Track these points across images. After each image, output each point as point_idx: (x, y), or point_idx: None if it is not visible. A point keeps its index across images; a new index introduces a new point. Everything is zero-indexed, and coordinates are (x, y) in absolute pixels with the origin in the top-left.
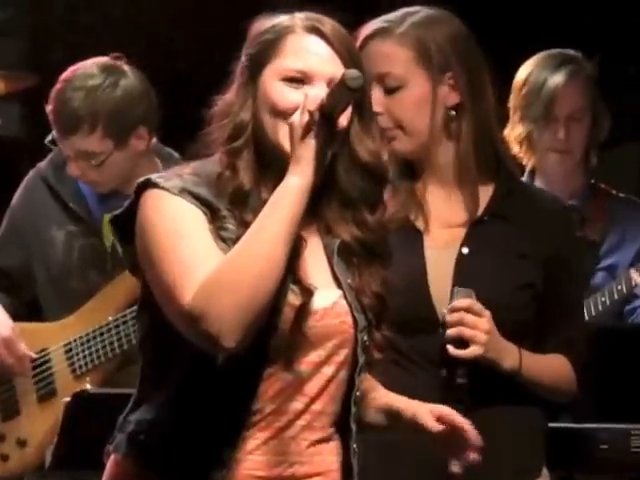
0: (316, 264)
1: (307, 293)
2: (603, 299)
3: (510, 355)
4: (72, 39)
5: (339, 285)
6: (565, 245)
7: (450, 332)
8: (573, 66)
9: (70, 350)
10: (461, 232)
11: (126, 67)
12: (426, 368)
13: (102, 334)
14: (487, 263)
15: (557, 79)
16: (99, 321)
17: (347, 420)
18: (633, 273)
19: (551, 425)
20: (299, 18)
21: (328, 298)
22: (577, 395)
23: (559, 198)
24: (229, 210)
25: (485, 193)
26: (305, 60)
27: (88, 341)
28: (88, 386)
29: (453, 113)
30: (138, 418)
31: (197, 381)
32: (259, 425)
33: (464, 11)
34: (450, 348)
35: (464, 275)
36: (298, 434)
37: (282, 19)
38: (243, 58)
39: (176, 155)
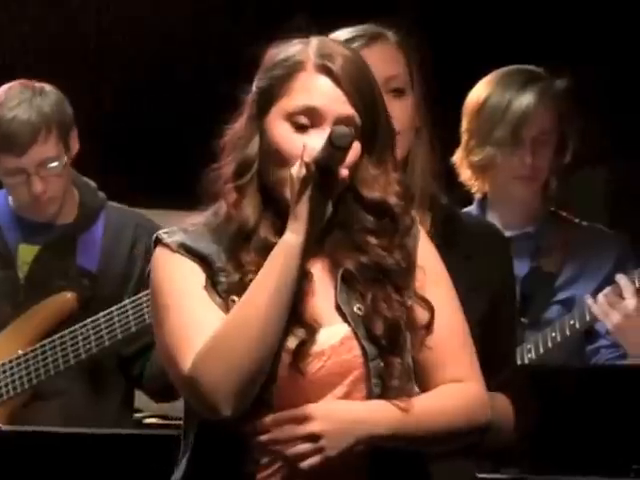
0: (324, 298)
1: (310, 333)
2: (554, 334)
3: None
4: None
5: (345, 315)
6: (505, 276)
7: None
8: (542, 84)
9: None
10: None
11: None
12: None
13: (12, 367)
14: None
15: (526, 99)
16: (9, 354)
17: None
18: (589, 300)
19: (501, 477)
20: (312, 51)
21: (336, 334)
22: (522, 443)
23: (495, 225)
24: (226, 259)
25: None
26: (311, 100)
27: None
28: None
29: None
30: (175, 478)
31: (207, 439)
32: (270, 478)
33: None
34: None
35: None
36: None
37: (295, 50)
38: (254, 89)
39: (93, 184)
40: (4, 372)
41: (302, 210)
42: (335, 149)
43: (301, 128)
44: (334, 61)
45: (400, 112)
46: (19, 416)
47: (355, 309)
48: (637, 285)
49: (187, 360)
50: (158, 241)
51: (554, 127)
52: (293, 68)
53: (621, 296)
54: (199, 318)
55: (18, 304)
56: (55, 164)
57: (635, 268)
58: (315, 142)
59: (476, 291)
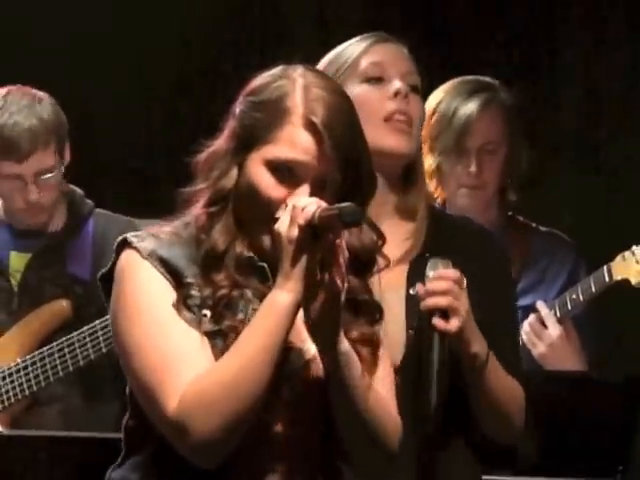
0: (297, 319)
1: (283, 354)
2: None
3: (479, 341)
4: None
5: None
6: (499, 273)
7: (438, 301)
8: (487, 94)
9: None
10: (402, 270)
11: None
12: None
13: (11, 375)
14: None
15: (469, 108)
16: (6, 362)
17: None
18: (540, 305)
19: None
20: (299, 97)
21: (305, 355)
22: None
23: (480, 223)
24: (198, 274)
25: (413, 226)
26: (294, 156)
27: None
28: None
29: None
30: (123, 475)
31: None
32: None
33: None
34: (437, 320)
35: (416, 316)
36: None
37: (281, 92)
38: (236, 118)
39: (80, 192)
40: (4, 379)
41: (294, 270)
42: (346, 225)
43: (280, 176)
44: (318, 114)
45: (416, 105)
46: (20, 422)
47: None
48: (558, 315)
49: (172, 397)
50: (127, 244)
51: (500, 137)
52: (280, 116)
53: (544, 324)
54: (178, 346)
55: (12, 312)
56: (51, 175)
57: (586, 276)
58: (303, 201)
59: (471, 293)
